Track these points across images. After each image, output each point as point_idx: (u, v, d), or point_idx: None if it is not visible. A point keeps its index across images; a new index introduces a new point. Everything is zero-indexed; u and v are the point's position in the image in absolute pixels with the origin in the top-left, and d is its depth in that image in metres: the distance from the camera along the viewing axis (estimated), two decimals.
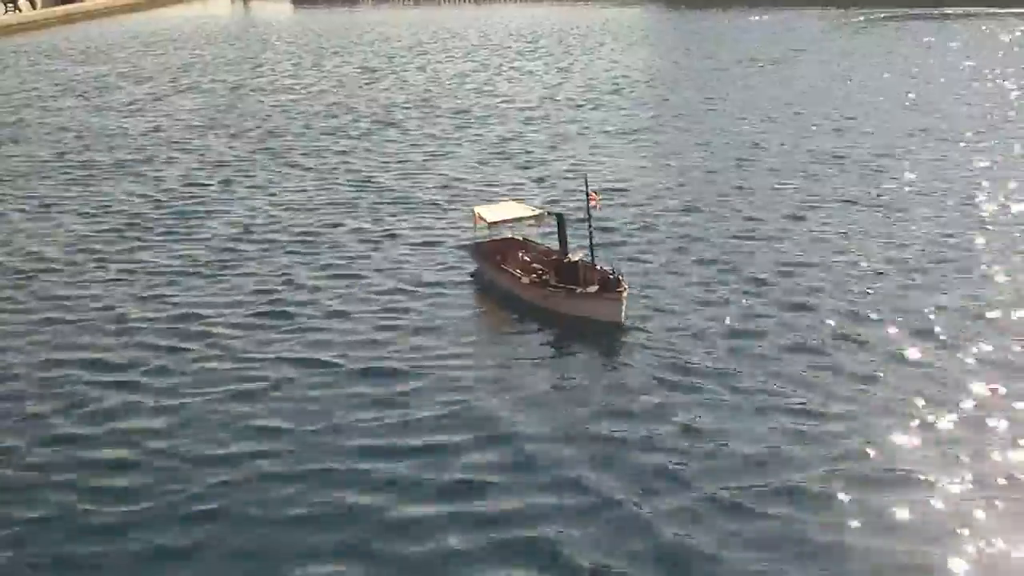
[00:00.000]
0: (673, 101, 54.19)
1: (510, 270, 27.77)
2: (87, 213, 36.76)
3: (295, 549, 16.81)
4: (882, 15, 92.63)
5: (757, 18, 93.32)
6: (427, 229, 33.50)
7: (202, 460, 19.61)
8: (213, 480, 18.90)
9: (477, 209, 29.79)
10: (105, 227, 34.77)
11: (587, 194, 26.97)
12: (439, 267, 29.78)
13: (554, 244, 28.57)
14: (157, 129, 51.27)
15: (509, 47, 79.42)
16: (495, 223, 28.61)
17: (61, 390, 22.59)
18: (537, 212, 29.75)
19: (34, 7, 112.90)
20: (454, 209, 35.42)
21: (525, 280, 27.01)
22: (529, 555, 16.37)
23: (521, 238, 29.89)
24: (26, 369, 23.72)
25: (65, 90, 64.85)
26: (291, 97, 59.20)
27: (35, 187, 40.89)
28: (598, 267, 26.46)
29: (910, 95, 52.37)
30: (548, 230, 29.73)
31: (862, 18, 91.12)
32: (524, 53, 76.63)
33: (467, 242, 30.40)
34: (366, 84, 63.95)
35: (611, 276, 25.50)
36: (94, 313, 27.19)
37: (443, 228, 33.48)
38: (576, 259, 27.07)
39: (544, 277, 27.04)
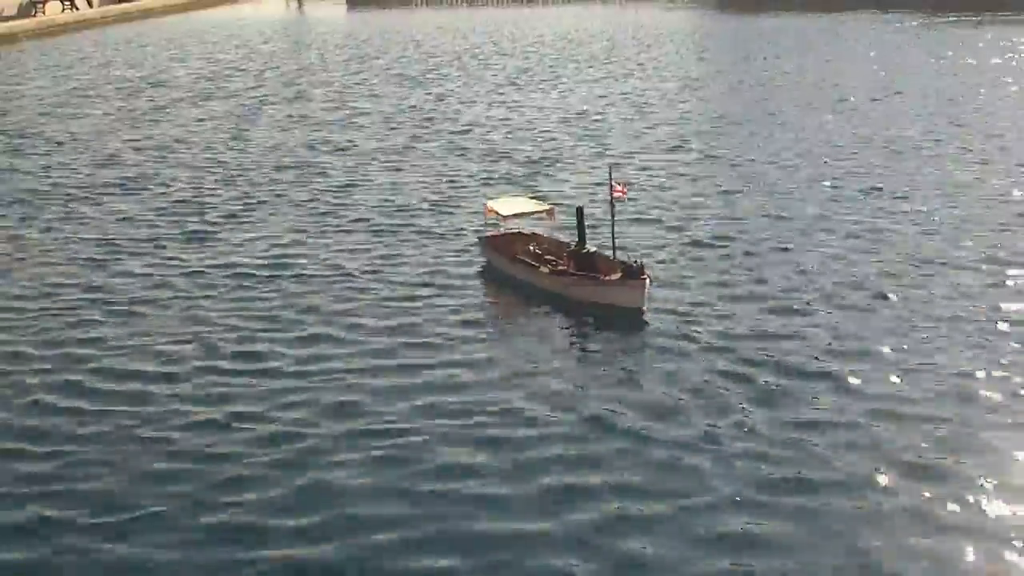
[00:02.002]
0: (718, 110, 53.10)
1: (526, 261, 27.88)
2: (70, 237, 33.40)
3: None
4: (950, 19, 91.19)
5: (809, 19, 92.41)
6: (440, 225, 33.49)
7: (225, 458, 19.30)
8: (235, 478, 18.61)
9: (489, 203, 30.11)
10: (83, 254, 31.63)
11: (611, 185, 27.05)
12: (449, 261, 29.85)
13: (563, 237, 29.05)
14: (163, 142, 48.43)
15: (557, 55, 78.19)
16: (508, 216, 28.87)
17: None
18: (548, 206, 30.01)
19: (91, 5, 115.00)
20: (471, 208, 35.28)
21: (544, 270, 27.12)
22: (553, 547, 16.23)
23: (530, 231, 30.17)
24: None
25: (85, 96, 62.82)
26: (314, 107, 57.22)
27: (22, 206, 37.53)
28: (617, 258, 26.60)
29: (968, 111, 50.35)
30: (556, 224, 30.15)
31: (916, 23, 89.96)
32: (572, 58, 75.85)
33: (477, 236, 30.64)
34: (405, 90, 62.66)
35: (633, 264, 25.71)
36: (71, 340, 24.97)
37: (456, 224, 33.52)
38: (593, 250, 27.39)
39: (560, 267, 27.15)
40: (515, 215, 29.01)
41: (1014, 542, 16.04)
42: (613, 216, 27.06)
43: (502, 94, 59.96)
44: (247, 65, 76.10)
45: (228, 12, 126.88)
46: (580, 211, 27.96)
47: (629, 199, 35.61)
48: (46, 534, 16.95)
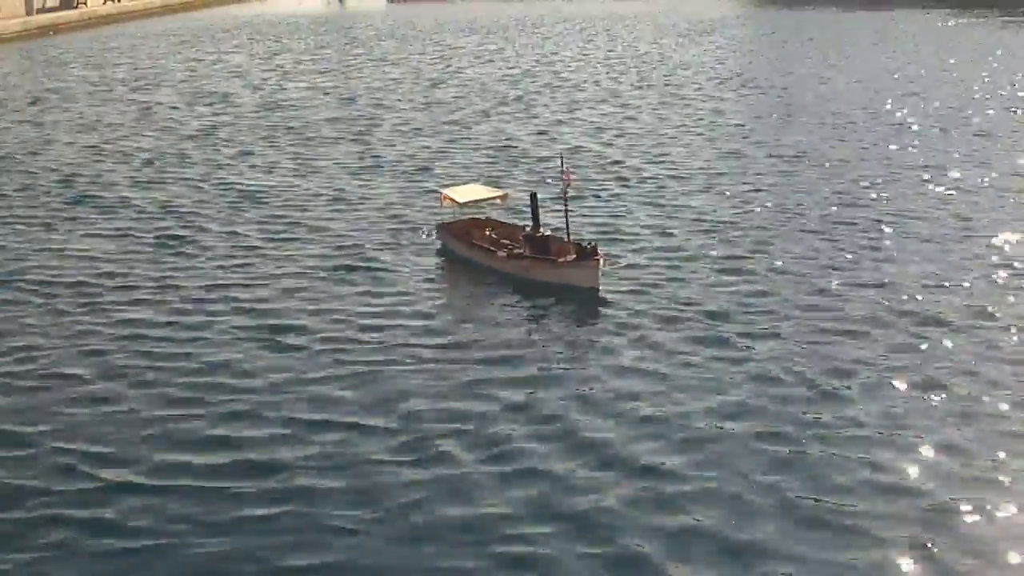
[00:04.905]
0: (730, 104, 52.89)
1: (483, 245, 28.38)
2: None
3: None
4: (994, 15, 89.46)
5: (850, 14, 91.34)
6: (397, 214, 33.66)
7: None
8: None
9: (445, 191, 30.70)
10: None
11: (562, 172, 27.74)
12: (406, 248, 30.00)
13: (517, 223, 29.84)
14: (131, 153, 44.53)
15: (589, 54, 77.57)
16: (465, 203, 29.38)
17: None
18: (502, 192, 30.69)
19: None
20: (429, 197, 35.34)
21: (501, 254, 27.61)
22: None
23: (484, 217, 30.78)
24: None
25: (66, 96, 60.92)
26: (317, 113, 54.10)
27: None
28: (571, 240, 27.20)
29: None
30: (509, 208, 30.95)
31: (966, 19, 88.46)
32: (603, 57, 75.28)
33: (433, 223, 31.15)
34: (412, 89, 61.35)
35: (587, 246, 26.29)
36: None
37: (413, 213, 33.72)
38: (548, 233, 28.05)
39: (517, 251, 27.65)
40: (471, 202, 29.51)
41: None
42: (566, 201, 27.61)
43: (517, 96, 58.69)
44: (249, 65, 74.01)
45: (270, 7, 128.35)
46: (534, 196, 28.59)
47: (604, 185, 36.46)
48: None
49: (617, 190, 36.00)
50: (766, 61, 69.26)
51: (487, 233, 29.17)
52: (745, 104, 52.51)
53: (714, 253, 28.48)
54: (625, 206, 33.82)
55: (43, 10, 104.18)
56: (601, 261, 25.77)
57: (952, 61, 65.39)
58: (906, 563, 15.06)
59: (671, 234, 30.38)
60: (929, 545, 15.38)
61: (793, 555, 15.29)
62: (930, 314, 23.73)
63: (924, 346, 22.12)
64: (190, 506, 16.96)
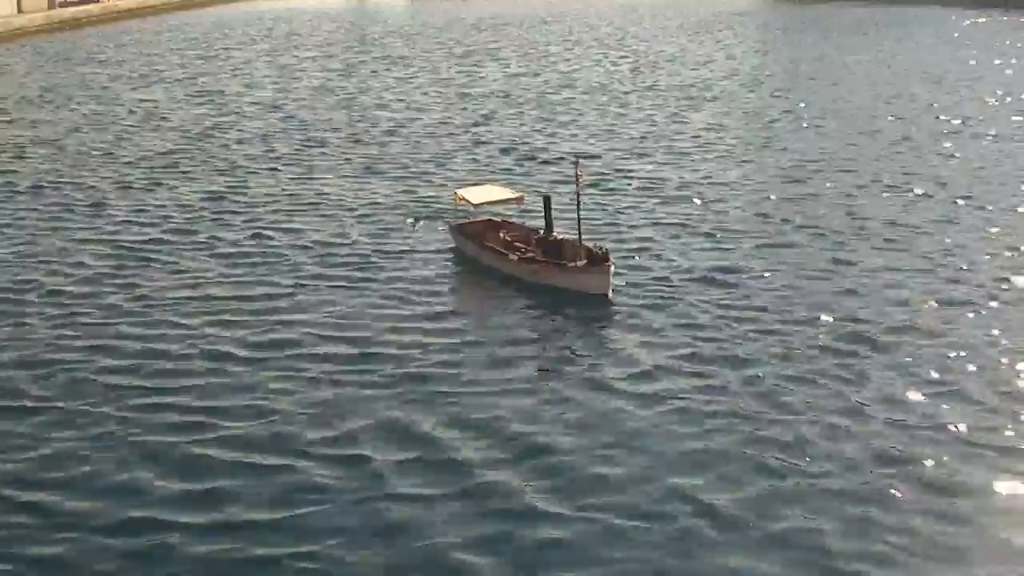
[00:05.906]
0: (755, 105, 53.08)
1: (495, 248, 28.39)
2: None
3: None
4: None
5: (868, 11, 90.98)
6: (412, 214, 33.95)
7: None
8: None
9: (460, 192, 30.63)
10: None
11: (576, 174, 27.62)
12: (419, 248, 30.28)
13: (532, 224, 29.72)
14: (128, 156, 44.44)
15: (604, 52, 78.03)
16: (479, 204, 29.37)
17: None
18: (517, 194, 30.53)
19: None
20: (443, 196, 35.59)
21: (513, 257, 27.60)
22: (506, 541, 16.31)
23: (500, 219, 30.73)
24: None
25: (69, 94, 60.71)
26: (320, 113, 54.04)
27: None
28: (583, 244, 27.10)
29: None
30: (525, 210, 30.91)
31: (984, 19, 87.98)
32: (617, 56, 75.76)
33: (447, 223, 31.30)
34: (411, 90, 61.36)
35: (598, 251, 26.25)
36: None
37: (427, 212, 34.02)
38: (560, 237, 27.95)
39: (529, 254, 27.64)
40: (485, 203, 29.49)
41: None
42: (579, 204, 27.57)
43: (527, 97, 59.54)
44: (248, 64, 73.50)
45: (293, 2, 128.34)
46: (547, 200, 28.45)
47: (614, 186, 36.64)
48: None
49: (631, 193, 36.08)
50: (781, 61, 69.12)
51: (501, 235, 29.17)
52: (760, 106, 52.48)
53: (728, 259, 28.39)
54: (639, 209, 33.88)
55: (66, 4, 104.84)
56: (612, 267, 25.70)
57: (972, 63, 65.09)
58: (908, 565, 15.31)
59: (684, 238, 30.42)
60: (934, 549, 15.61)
61: (812, 552, 15.52)
62: (948, 324, 23.62)
63: (940, 353, 22.12)
64: (194, 511, 17.12)
